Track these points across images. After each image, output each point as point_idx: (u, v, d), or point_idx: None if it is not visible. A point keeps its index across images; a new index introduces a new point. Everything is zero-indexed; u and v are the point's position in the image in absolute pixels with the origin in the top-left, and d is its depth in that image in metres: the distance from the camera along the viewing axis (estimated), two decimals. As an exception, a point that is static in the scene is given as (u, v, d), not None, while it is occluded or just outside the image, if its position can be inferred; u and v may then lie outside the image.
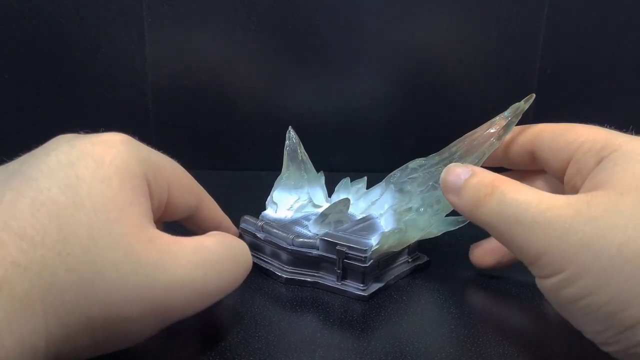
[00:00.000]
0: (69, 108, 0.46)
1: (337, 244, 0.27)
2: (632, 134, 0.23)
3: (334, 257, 0.27)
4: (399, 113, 0.49)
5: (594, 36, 0.48)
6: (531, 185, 0.22)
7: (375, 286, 0.28)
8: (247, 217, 0.31)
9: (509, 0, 0.47)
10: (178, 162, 0.24)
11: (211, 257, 0.21)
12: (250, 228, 0.30)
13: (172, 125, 0.48)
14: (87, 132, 0.21)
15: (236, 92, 0.48)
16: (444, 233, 0.30)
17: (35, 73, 0.45)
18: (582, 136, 0.24)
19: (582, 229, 0.19)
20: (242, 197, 0.34)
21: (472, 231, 0.28)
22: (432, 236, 0.29)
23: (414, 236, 0.29)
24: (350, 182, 0.33)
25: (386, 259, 0.29)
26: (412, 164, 0.30)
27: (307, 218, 0.31)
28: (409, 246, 0.30)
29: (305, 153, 0.33)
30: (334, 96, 0.49)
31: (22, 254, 0.16)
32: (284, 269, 0.29)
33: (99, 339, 0.18)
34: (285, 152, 0.33)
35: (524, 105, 0.27)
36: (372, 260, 0.27)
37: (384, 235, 0.27)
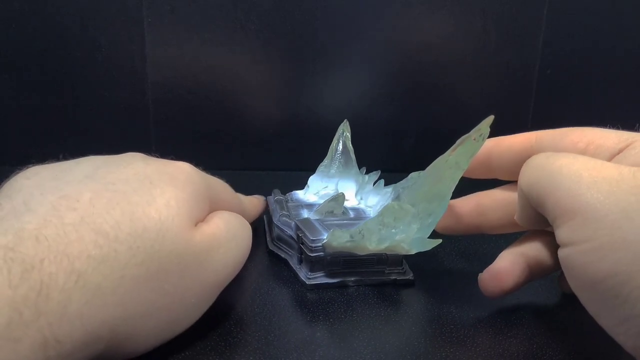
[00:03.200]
0: (69, 108, 0.46)
1: (300, 229, 0.29)
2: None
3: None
4: (399, 113, 0.49)
5: (594, 36, 0.48)
6: None
7: (324, 280, 0.28)
8: (275, 190, 0.35)
9: (509, 0, 0.47)
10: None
11: (235, 230, 0.24)
12: (270, 200, 0.35)
13: (172, 125, 0.48)
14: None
15: (236, 92, 0.48)
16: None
17: (35, 73, 0.45)
18: (587, 135, 0.23)
19: (627, 198, 0.18)
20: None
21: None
22: (405, 252, 0.27)
23: (371, 243, 0.27)
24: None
25: (353, 260, 0.28)
26: (413, 174, 0.30)
27: None
28: (386, 257, 0.28)
29: (352, 148, 0.35)
30: (333, 96, 0.49)
31: (98, 248, 0.17)
32: (273, 241, 0.32)
33: (156, 328, 0.19)
34: (332, 142, 0.35)
35: (485, 128, 0.25)
36: (321, 253, 0.27)
37: (331, 232, 0.27)
